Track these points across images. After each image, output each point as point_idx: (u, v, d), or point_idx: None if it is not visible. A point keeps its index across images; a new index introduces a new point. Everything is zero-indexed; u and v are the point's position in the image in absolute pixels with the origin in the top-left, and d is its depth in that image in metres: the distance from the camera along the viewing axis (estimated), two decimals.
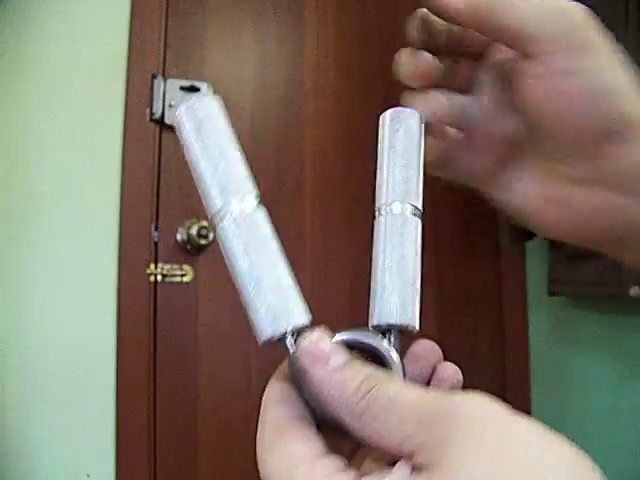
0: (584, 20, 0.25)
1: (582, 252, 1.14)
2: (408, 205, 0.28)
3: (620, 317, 1.43)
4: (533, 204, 0.30)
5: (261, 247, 0.25)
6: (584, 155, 0.27)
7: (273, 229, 0.26)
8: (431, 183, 0.32)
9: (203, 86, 1.36)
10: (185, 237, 1.30)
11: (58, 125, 1.28)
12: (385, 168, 0.29)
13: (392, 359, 0.25)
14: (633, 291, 1.20)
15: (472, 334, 1.52)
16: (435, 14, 0.29)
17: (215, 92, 1.37)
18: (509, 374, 1.52)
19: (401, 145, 0.30)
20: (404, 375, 0.25)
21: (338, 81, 1.49)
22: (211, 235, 1.28)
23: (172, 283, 1.30)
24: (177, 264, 1.31)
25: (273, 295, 0.24)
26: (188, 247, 1.31)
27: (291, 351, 0.24)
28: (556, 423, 1.43)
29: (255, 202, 0.26)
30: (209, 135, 0.26)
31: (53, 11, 1.30)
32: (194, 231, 1.28)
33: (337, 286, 1.41)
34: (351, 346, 0.24)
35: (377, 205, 0.28)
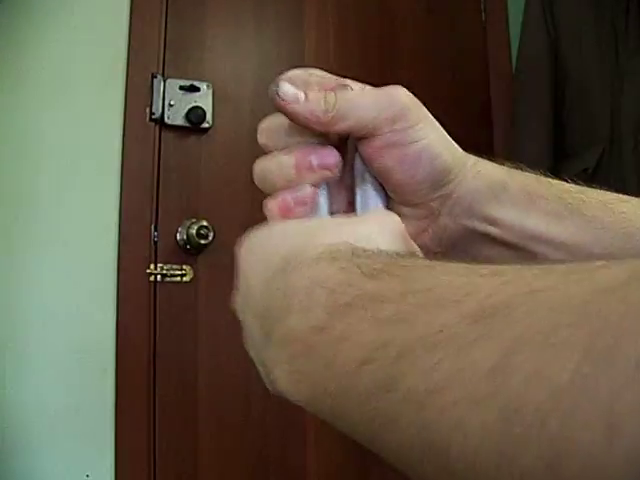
0: (408, 99, 0.32)
1: None
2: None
3: None
4: None
5: None
6: (425, 198, 0.33)
7: None
8: None
9: (203, 86, 1.36)
10: (185, 237, 1.30)
11: (58, 125, 1.28)
12: None
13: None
14: None
15: None
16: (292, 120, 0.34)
17: (215, 92, 1.37)
18: None
19: None
20: None
21: None
22: (211, 235, 1.28)
23: (172, 283, 1.30)
24: (177, 264, 1.31)
25: None
26: (188, 247, 1.31)
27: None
28: None
29: None
30: None
31: (53, 11, 1.30)
32: (194, 231, 1.28)
33: None
34: None
35: None
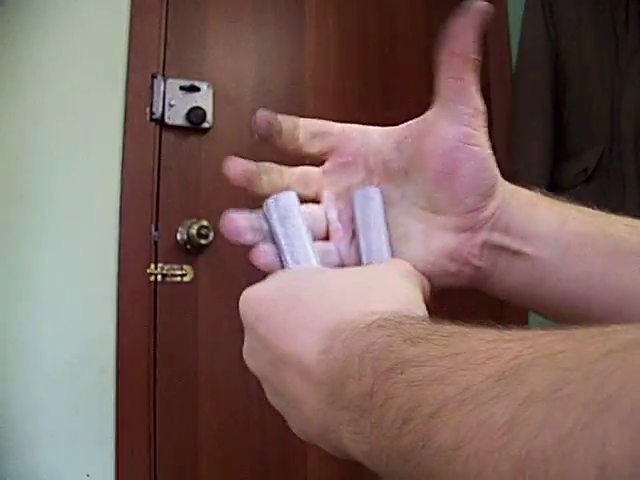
0: None
1: None
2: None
3: None
4: (424, 260, 0.35)
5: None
6: (475, 206, 0.33)
7: None
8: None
9: (203, 86, 1.36)
10: (185, 237, 1.30)
11: (58, 125, 1.28)
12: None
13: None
14: None
15: None
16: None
17: (215, 92, 1.37)
18: None
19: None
20: None
21: (338, 81, 1.49)
22: (211, 235, 1.28)
23: (172, 283, 1.30)
24: (177, 264, 1.31)
25: None
26: (188, 247, 1.31)
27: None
28: None
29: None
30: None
31: (53, 11, 1.30)
32: (194, 231, 1.28)
33: None
34: None
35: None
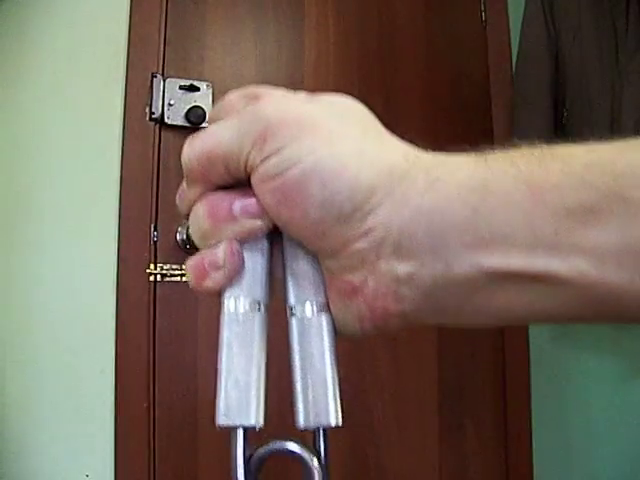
0: (280, 113, 0.25)
1: None
2: (314, 304, 0.27)
3: None
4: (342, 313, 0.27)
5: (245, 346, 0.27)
6: (341, 239, 0.24)
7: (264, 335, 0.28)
8: None
9: (202, 85, 1.36)
10: (185, 237, 1.30)
11: (58, 124, 1.28)
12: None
13: (313, 466, 0.27)
14: None
15: (472, 334, 1.52)
16: None
17: (214, 91, 1.37)
18: (509, 374, 1.51)
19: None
20: (326, 478, 0.27)
21: (338, 81, 1.49)
22: None
23: (172, 283, 1.30)
24: (177, 264, 1.30)
25: (237, 390, 0.27)
26: (188, 247, 1.31)
27: (238, 448, 0.27)
28: (556, 423, 1.43)
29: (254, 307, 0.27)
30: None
31: (53, 11, 1.30)
32: None
33: None
34: (279, 452, 0.28)
35: (287, 305, 0.28)
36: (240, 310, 0.27)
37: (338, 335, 0.28)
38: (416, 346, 1.45)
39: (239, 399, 0.26)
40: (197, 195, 0.26)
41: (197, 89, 1.35)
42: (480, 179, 0.23)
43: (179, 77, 1.35)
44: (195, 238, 0.27)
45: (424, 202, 0.23)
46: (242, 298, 0.27)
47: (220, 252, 0.26)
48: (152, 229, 1.30)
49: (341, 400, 0.27)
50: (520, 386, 1.51)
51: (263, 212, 0.25)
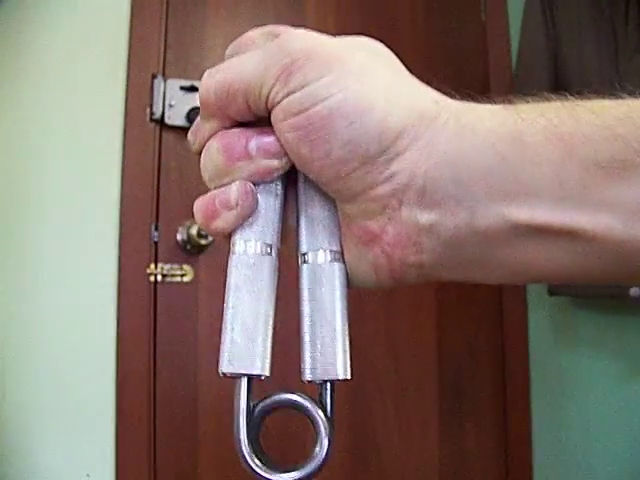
0: (307, 45, 0.23)
1: None
2: (328, 252, 0.26)
3: (620, 317, 1.43)
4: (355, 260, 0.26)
5: (256, 290, 0.25)
6: (364, 183, 0.23)
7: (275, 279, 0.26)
8: None
9: None
10: (185, 237, 1.30)
11: (58, 125, 1.28)
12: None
13: (319, 418, 0.25)
14: (633, 291, 1.20)
15: (472, 334, 1.52)
16: None
17: None
18: (509, 374, 1.52)
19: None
20: (331, 431, 0.25)
21: None
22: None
23: (172, 283, 1.30)
24: (177, 264, 1.31)
25: (244, 336, 0.25)
26: (188, 247, 1.31)
27: (241, 399, 0.26)
28: (556, 423, 1.43)
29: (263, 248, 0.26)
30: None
31: (53, 11, 1.30)
32: (194, 231, 1.28)
33: None
34: (285, 404, 0.26)
35: (299, 252, 0.27)
36: (250, 252, 0.25)
37: (351, 286, 0.26)
38: (416, 346, 1.46)
39: (245, 346, 0.25)
40: (212, 131, 0.26)
41: (198, 90, 1.35)
42: (510, 128, 0.22)
43: (180, 78, 1.35)
44: (206, 177, 0.26)
45: (452, 149, 0.22)
46: (253, 241, 0.26)
47: (233, 191, 0.25)
48: (152, 229, 1.30)
49: (350, 355, 0.26)
50: (520, 386, 1.51)
51: (281, 152, 0.24)
